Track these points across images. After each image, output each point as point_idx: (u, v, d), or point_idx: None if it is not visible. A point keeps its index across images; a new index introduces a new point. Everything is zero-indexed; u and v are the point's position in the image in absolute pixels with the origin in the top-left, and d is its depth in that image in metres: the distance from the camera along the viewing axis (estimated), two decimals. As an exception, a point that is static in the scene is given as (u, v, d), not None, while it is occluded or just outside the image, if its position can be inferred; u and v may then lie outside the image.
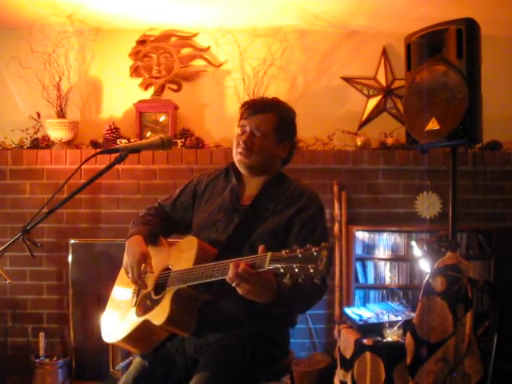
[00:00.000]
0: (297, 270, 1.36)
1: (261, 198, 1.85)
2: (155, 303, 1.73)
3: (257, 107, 1.85)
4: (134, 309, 1.81)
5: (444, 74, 2.42)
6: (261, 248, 1.49)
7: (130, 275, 1.80)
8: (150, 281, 1.82)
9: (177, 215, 2.02)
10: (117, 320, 1.88)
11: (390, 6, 3.19)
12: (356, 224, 3.38)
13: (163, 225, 2.00)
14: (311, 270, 1.34)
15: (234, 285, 1.50)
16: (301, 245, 1.55)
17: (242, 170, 1.88)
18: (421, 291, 2.54)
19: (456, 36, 2.39)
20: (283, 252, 1.40)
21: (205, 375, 1.61)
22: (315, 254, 1.36)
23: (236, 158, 1.87)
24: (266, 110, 1.84)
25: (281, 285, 1.55)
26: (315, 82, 3.67)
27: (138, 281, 1.78)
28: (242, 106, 1.90)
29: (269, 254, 1.43)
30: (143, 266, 1.78)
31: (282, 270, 1.39)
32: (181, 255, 1.78)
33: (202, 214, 1.93)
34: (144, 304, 1.78)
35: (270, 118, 1.84)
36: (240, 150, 1.84)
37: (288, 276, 1.38)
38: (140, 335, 1.75)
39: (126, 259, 1.83)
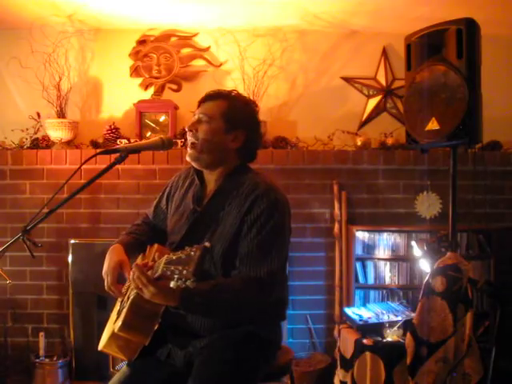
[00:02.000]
0: (177, 273, 1.32)
1: (216, 197, 1.79)
2: (122, 311, 1.74)
3: (209, 95, 1.82)
4: (115, 317, 1.82)
5: (444, 74, 2.42)
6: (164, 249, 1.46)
7: (105, 283, 1.78)
8: (130, 289, 1.83)
9: (159, 221, 2.02)
10: (106, 329, 1.90)
11: (390, 5, 3.19)
12: (356, 224, 3.38)
13: (150, 232, 2.01)
14: (184, 272, 1.30)
15: (139, 287, 1.49)
16: (247, 246, 1.60)
17: (192, 163, 1.82)
18: (421, 291, 2.54)
19: (456, 36, 2.39)
20: (172, 254, 1.38)
21: (199, 379, 1.60)
22: (192, 254, 1.32)
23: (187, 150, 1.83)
24: (217, 97, 1.81)
25: (190, 291, 1.45)
26: (315, 82, 3.67)
27: (112, 287, 1.76)
28: None
29: (164, 257, 1.41)
30: (123, 273, 1.78)
31: (168, 273, 1.35)
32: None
33: (171, 218, 1.92)
34: (120, 312, 1.78)
35: (219, 105, 1.78)
36: (189, 139, 1.80)
37: (175, 279, 1.32)
38: (116, 342, 1.75)
39: (103, 268, 1.82)
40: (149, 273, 1.52)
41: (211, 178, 1.84)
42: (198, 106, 1.84)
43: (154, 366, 1.77)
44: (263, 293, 1.65)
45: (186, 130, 1.81)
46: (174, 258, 1.36)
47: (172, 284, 1.33)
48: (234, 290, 1.61)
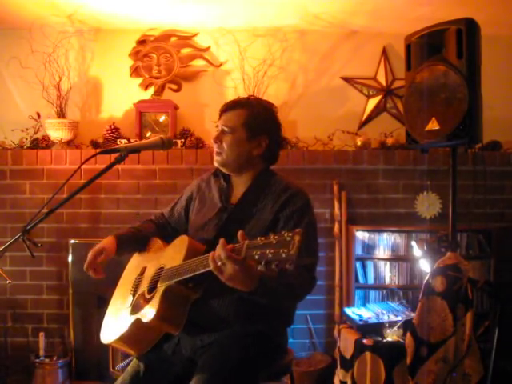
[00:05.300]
0: (270, 256, 1.34)
1: (248, 195, 1.86)
2: (147, 301, 1.74)
3: (228, 105, 1.88)
4: (129, 309, 1.82)
5: (444, 74, 2.42)
6: (240, 234, 1.46)
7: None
8: (145, 281, 1.84)
9: (174, 221, 2.08)
10: (113, 321, 1.90)
11: (390, 6, 3.19)
12: (356, 224, 3.38)
13: (157, 229, 2.06)
14: (283, 255, 1.32)
15: (219, 265, 1.46)
16: None
17: (221, 169, 1.91)
18: (421, 291, 2.54)
19: (456, 36, 2.39)
20: (259, 239, 1.39)
21: (204, 377, 1.61)
22: (288, 238, 1.33)
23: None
24: (237, 106, 1.86)
25: (265, 276, 1.53)
26: (315, 82, 3.67)
27: (88, 268, 1.84)
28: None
29: (246, 241, 1.42)
30: (101, 257, 1.84)
31: (256, 257, 1.37)
32: (173, 254, 1.82)
33: (195, 217, 1.97)
34: (138, 304, 1.79)
35: (240, 114, 1.84)
36: (215, 149, 1.88)
37: (263, 263, 1.36)
38: (133, 335, 1.76)
39: None
40: None
41: (238, 182, 1.92)
42: (220, 116, 1.90)
43: (164, 361, 1.78)
44: (312, 279, 1.74)
45: (212, 141, 1.88)
46: (261, 243, 1.38)
47: (260, 267, 1.36)
48: (294, 275, 1.63)
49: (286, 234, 1.34)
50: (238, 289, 1.52)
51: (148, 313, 1.69)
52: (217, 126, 1.90)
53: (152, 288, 1.78)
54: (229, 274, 1.46)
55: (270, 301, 1.65)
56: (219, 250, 1.45)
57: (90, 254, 1.85)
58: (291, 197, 1.79)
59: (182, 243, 1.81)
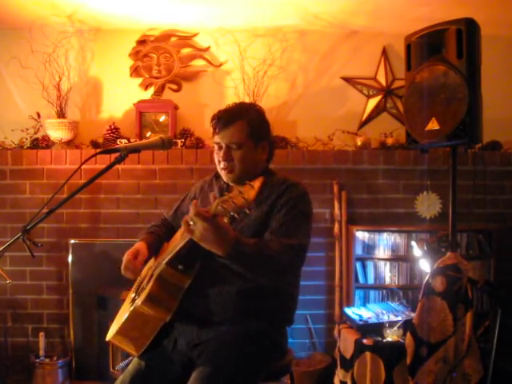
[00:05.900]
0: (233, 205, 1.39)
1: None
2: (143, 290, 1.77)
3: (225, 119, 1.85)
4: (131, 304, 1.85)
5: (444, 74, 2.42)
6: (211, 195, 1.50)
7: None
8: (148, 277, 1.87)
9: (178, 224, 2.08)
10: (116, 319, 1.92)
11: (390, 5, 3.19)
12: (356, 224, 3.38)
13: (167, 233, 2.08)
14: (243, 200, 1.37)
15: (190, 225, 1.50)
16: (278, 221, 1.69)
17: (233, 184, 1.91)
18: (421, 291, 2.54)
19: (456, 36, 2.39)
20: (227, 195, 1.44)
21: (202, 374, 1.61)
22: (249, 187, 1.39)
23: (222, 174, 1.90)
24: (235, 119, 1.84)
25: (241, 240, 1.57)
26: (315, 82, 3.67)
27: (128, 264, 1.84)
28: (212, 120, 1.89)
29: (216, 200, 1.47)
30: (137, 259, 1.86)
31: (222, 210, 1.42)
32: (173, 245, 1.87)
33: None
34: (139, 296, 1.82)
35: (241, 127, 1.83)
36: (222, 166, 1.87)
37: (228, 216, 1.41)
38: (130, 326, 1.77)
39: None
40: None
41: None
42: (217, 132, 1.86)
43: (165, 360, 1.78)
44: (296, 258, 1.74)
45: (221, 160, 1.86)
46: (227, 197, 1.43)
47: (226, 219, 1.43)
48: (275, 249, 1.67)
49: (248, 183, 1.40)
50: (214, 252, 1.54)
51: (141, 297, 1.72)
52: (218, 143, 1.87)
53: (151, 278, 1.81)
54: (200, 233, 1.50)
55: (247, 270, 1.67)
56: (190, 211, 1.49)
57: (126, 257, 1.86)
58: (288, 187, 1.82)
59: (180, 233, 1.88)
